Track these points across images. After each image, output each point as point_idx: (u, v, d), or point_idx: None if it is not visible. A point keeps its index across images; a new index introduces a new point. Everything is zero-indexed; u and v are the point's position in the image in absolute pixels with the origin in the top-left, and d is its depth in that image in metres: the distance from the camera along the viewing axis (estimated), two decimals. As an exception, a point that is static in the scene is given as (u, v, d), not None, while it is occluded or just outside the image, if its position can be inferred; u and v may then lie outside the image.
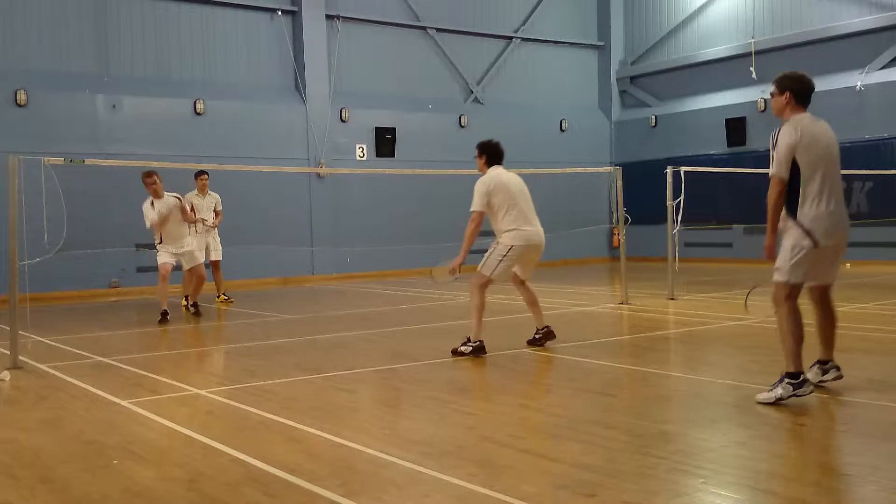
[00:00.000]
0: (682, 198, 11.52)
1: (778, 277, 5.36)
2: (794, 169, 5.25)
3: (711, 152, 19.33)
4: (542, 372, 6.85)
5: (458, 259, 7.56)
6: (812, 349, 5.69)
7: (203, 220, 12.31)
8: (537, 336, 7.93)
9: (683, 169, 11.69)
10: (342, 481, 4.07)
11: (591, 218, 20.04)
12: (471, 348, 7.46)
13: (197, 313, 11.35)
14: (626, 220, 11.42)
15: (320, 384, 6.54)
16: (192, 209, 11.79)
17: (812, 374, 5.56)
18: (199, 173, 12.50)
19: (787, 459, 4.27)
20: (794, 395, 5.21)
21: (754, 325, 9.14)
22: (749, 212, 18.48)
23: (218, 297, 12.86)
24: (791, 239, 5.32)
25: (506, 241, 7.47)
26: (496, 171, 7.71)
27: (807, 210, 5.27)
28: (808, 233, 5.25)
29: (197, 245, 11.78)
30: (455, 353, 7.52)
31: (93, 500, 3.91)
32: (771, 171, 5.30)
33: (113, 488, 4.05)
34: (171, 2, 16.20)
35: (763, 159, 21.74)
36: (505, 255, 7.46)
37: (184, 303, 12.04)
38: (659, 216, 12.61)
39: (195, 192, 12.55)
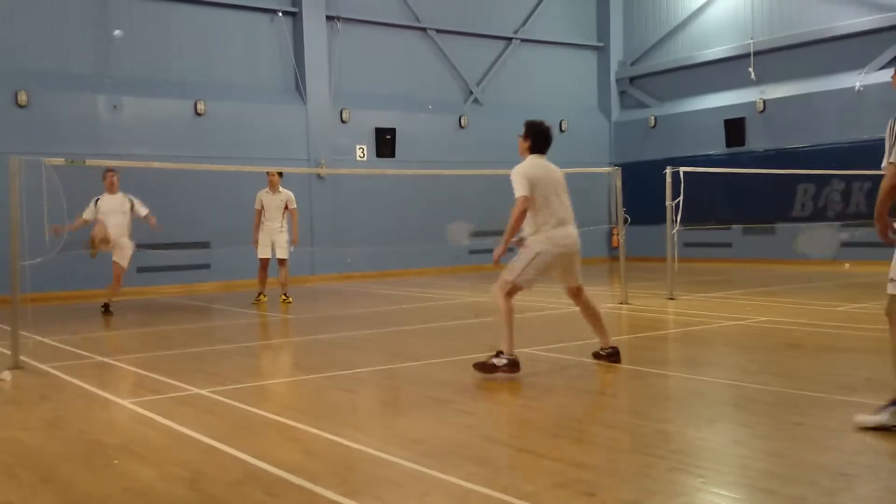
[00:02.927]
0: (681, 198, 11.54)
1: (892, 290, 4.73)
2: None
3: (710, 153, 19.34)
4: (542, 372, 6.86)
5: (499, 248, 6.60)
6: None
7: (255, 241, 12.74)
8: (602, 353, 7.06)
9: (683, 169, 11.71)
10: (342, 480, 4.08)
11: (591, 218, 20.00)
12: (505, 361, 6.48)
13: (107, 312, 11.79)
14: (626, 220, 11.44)
15: (320, 384, 6.56)
16: (262, 209, 12.55)
17: (889, 416, 4.71)
18: (270, 171, 12.69)
19: (785, 459, 4.28)
20: None
21: (754, 324, 9.16)
22: (748, 212, 18.56)
23: (281, 296, 12.88)
24: None
25: (533, 244, 6.62)
26: (538, 161, 6.86)
27: None
28: None
29: (274, 241, 12.62)
30: (482, 367, 6.52)
31: (94, 500, 3.92)
32: (888, 159, 4.78)
33: (114, 488, 4.07)
34: (172, 2, 16.21)
35: (761, 160, 21.59)
36: (531, 261, 6.57)
37: (282, 298, 12.73)
38: (658, 216, 12.63)
39: (266, 189, 12.64)
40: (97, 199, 11.79)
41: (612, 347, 7.04)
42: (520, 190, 6.58)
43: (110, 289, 11.98)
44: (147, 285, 14.86)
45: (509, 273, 6.63)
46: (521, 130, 7.19)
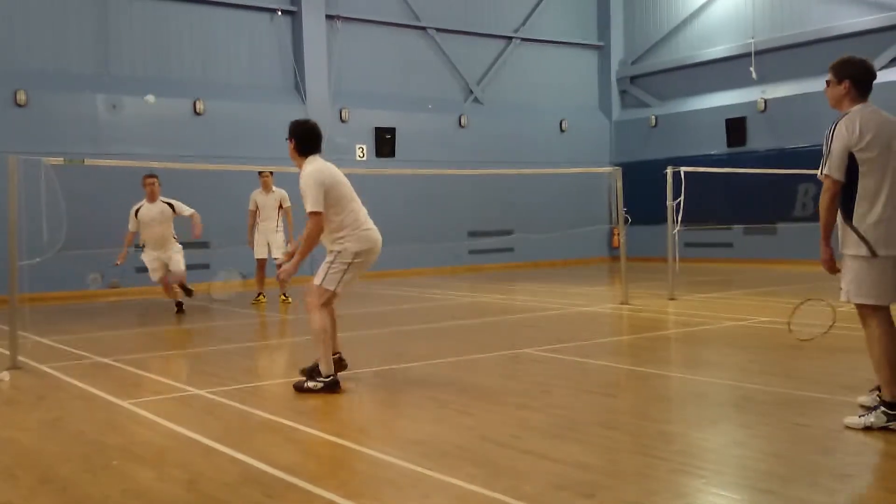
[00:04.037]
0: (682, 198, 11.52)
1: (844, 298, 4.81)
2: (851, 168, 4.71)
3: (711, 152, 19.32)
4: (542, 372, 6.85)
5: (293, 266, 6.26)
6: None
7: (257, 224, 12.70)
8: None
9: (683, 169, 11.69)
10: (342, 481, 4.07)
11: (591, 218, 20.04)
12: (322, 384, 6.07)
13: (181, 311, 11.62)
14: (626, 220, 11.42)
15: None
16: (256, 210, 12.60)
17: (870, 400, 4.92)
18: (262, 171, 12.62)
19: (786, 459, 4.27)
20: (888, 426, 4.65)
21: (754, 325, 9.14)
22: (749, 212, 18.55)
23: (280, 295, 12.89)
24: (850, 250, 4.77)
25: (351, 246, 6.21)
26: (323, 163, 6.42)
27: (862, 215, 4.69)
28: (863, 240, 4.68)
29: (269, 241, 12.58)
30: (300, 389, 6.13)
31: (93, 501, 3.91)
32: (822, 170, 4.76)
33: (113, 489, 4.05)
34: (172, 2, 16.20)
35: (762, 159, 21.45)
36: (351, 263, 6.21)
37: (281, 298, 12.71)
38: (659, 216, 12.61)
39: (259, 189, 12.64)
40: (137, 209, 11.35)
41: (337, 353, 6.54)
42: (313, 203, 6.09)
43: (171, 291, 11.73)
44: (146, 285, 14.80)
45: (329, 282, 6.17)
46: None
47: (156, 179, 11.41)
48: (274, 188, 12.66)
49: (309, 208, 6.12)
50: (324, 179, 6.23)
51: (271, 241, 12.64)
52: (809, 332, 7.64)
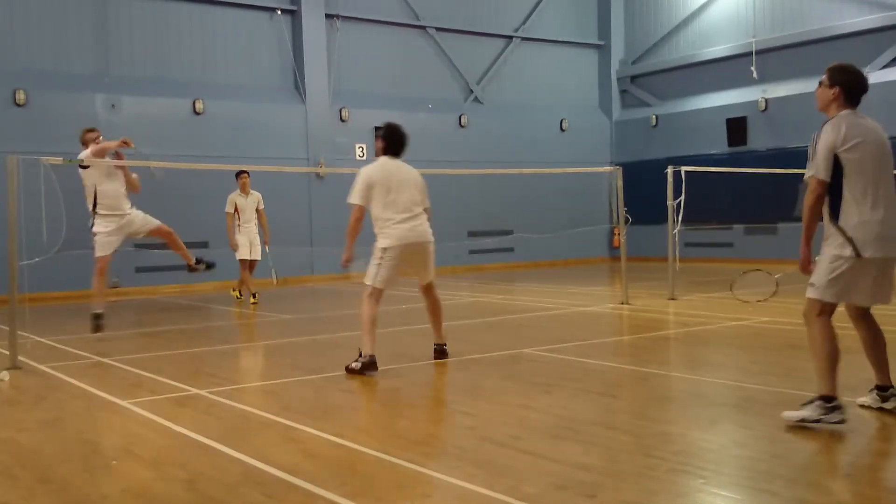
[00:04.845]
0: (682, 197, 11.51)
1: (811, 294, 4.83)
2: (836, 169, 4.76)
3: (712, 152, 19.31)
4: (542, 372, 6.84)
5: (344, 255, 7.01)
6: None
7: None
8: (436, 348, 7.40)
9: (684, 169, 11.67)
10: (342, 482, 4.06)
11: (592, 218, 20.02)
12: (361, 363, 6.72)
13: (209, 267, 10.15)
14: (627, 219, 11.40)
15: (320, 384, 6.53)
16: (235, 212, 12.42)
17: (871, 399, 5.06)
18: (240, 173, 12.54)
19: (787, 460, 4.26)
20: (821, 419, 4.69)
21: (755, 325, 9.13)
22: (750, 212, 18.54)
23: (251, 295, 12.90)
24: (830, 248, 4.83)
25: (379, 242, 6.82)
26: (383, 162, 6.94)
27: (849, 216, 4.75)
28: (849, 241, 4.72)
29: (251, 241, 12.51)
30: (348, 370, 6.77)
31: (92, 501, 3.90)
32: (808, 172, 4.86)
33: (112, 489, 4.05)
34: (171, 2, 16.20)
35: (763, 159, 21.47)
36: (382, 259, 6.79)
37: (234, 294, 12.79)
38: (659, 216, 12.60)
39: (238, 191, 12.61)
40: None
41: (441, 345, 7.37)
42: (352, 196, 6.82)
43: (102, 290, 9.37)
44: (145, 285, 14.83)
45: (368, 277, 6.85)
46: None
47: (96, 132, 9.27)
48: (252, 190, 12.65)
49: (348, 199, 6.85)
50: (369, 176, 6.81)
51: (253, 241, 12.63)
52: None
